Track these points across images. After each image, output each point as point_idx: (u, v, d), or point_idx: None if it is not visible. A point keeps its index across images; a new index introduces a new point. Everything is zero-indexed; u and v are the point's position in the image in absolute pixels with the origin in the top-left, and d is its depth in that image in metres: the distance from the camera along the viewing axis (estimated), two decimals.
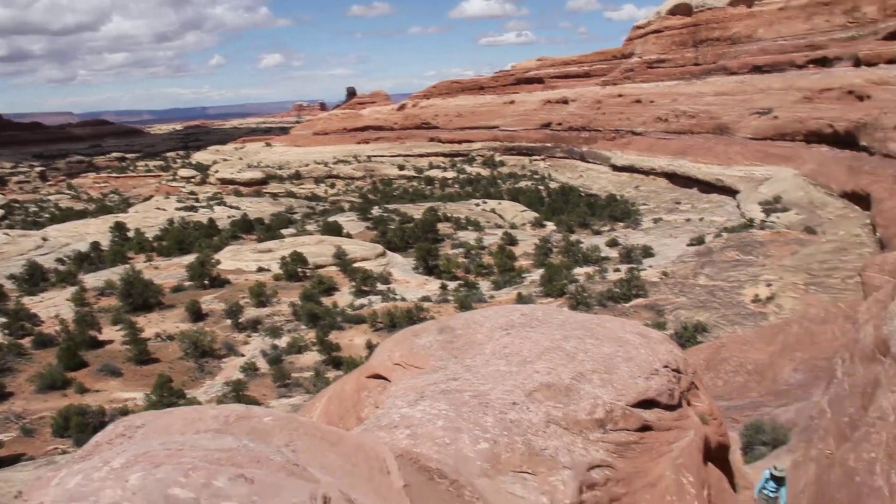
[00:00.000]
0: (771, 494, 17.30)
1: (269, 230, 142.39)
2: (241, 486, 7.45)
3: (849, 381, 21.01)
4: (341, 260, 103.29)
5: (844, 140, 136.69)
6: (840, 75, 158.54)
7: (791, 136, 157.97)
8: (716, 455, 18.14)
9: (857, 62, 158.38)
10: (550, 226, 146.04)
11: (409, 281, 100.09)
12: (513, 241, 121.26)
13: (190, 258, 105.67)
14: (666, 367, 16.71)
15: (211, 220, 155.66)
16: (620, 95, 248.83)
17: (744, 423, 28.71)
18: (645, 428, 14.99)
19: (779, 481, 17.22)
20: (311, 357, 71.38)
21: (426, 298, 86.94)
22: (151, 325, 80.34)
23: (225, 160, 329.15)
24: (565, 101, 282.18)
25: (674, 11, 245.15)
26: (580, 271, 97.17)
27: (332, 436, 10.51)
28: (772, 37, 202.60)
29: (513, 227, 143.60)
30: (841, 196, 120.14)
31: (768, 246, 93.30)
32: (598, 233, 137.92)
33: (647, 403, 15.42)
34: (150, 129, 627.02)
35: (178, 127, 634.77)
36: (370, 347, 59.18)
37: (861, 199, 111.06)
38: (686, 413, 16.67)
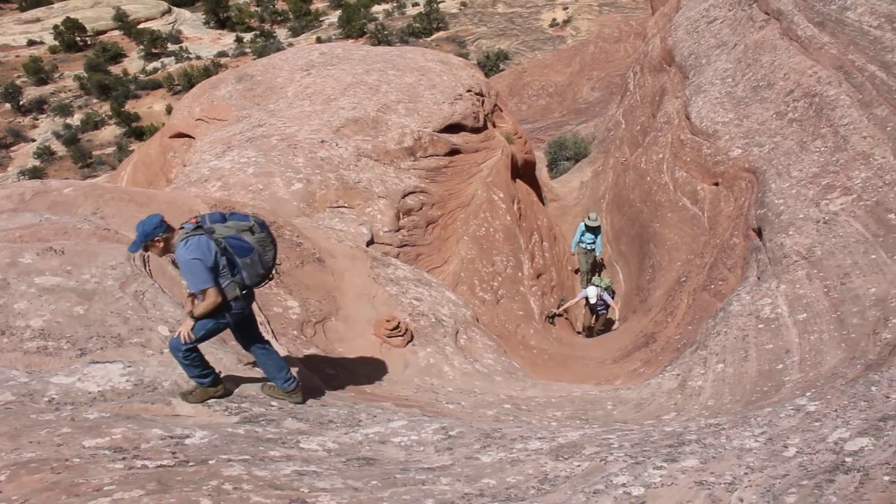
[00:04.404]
0: (588, 247, 17.58)
1: None
2: (52, 259, 7.17)
3: (640, 93, 22.21)
4: (124, 22, 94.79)
5: None
6: None
7: None
8: (524, 172, 19.08)
9: None
10: None
11: (201, 37, 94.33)
12: None
13: None
14: (469, 91, 16.95)
15: None
16: None
17: (548, 142, 30.05)
18: (454, 152, 15.42)
19: (594, 231, 17.37)
20: (110, 131, 67.71)
21: (223, 53, 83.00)
22: None
23: None
24: None
25: None
26: (378, 9, 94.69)
27: (141, 197, 10.17)
28: None
29: None
30: None
31: None
32: None
33: (453, 128, 15.76)
34: None
35: None
36: (171, 112, 56.71)
37: None
38: (492, 134, 17.21)
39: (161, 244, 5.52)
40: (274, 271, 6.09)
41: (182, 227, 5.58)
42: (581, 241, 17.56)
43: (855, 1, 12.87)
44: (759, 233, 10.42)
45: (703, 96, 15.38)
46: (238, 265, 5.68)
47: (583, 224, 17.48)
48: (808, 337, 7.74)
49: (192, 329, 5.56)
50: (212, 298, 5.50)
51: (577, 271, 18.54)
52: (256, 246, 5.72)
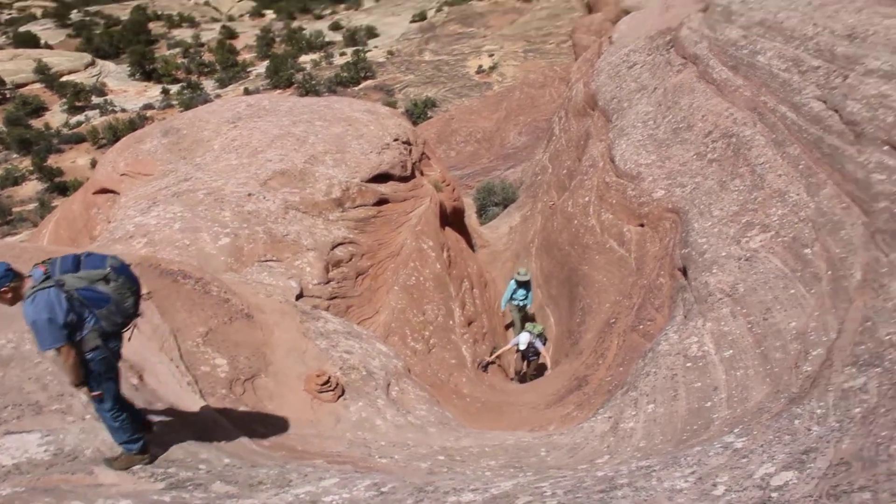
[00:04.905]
0: (520, 303, 17.18)
1: None
2: None
3: (565, 137, 22.61)
4: (45, 75, 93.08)
5: None
6: None
7: None
8: (453, 219, 19.18)
9: None
10: (270, 14, 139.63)
11: (126, 90, 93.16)
12: (232, 35, 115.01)
13: None
14: (396, 140, 17.04)
15: None
16: None
17: (476, 188, 30.31)
18: (382, 201, 15.43)
19: (525, 285, 17.01)
20: (32, 187, 65.86)
21: (149, 106, 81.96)
22: None
23: None
24: None
25: None
26: (306, 59, 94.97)
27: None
28: None
29: (230, 19, 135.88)
30: None
31: (488, 17, 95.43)
32: (319, 17, 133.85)
33: (381, 177, 15.79)
34: None
35: None
36: (95, 167, 55.43)
37: None
38: (420, 182, 17.30)
39: (10, 294, 5.09)
40: (137, 315, 5.59)
41: (31, 276, 5.15)
42: (513, 298, 17.16)
43: (764, 45, 13.42)
44: (684, 272, 10.63)
45: (626, 139, 15.73)
46: (95, 315, 5.25)
47: (513, 281, 17.09)
48: (735, 373, 7.88)
49: (88, 391, 5.27)
50: (64, 358, 5.13)
51: (508, 326, 18.13)
52: (113, 295, 5.29)
